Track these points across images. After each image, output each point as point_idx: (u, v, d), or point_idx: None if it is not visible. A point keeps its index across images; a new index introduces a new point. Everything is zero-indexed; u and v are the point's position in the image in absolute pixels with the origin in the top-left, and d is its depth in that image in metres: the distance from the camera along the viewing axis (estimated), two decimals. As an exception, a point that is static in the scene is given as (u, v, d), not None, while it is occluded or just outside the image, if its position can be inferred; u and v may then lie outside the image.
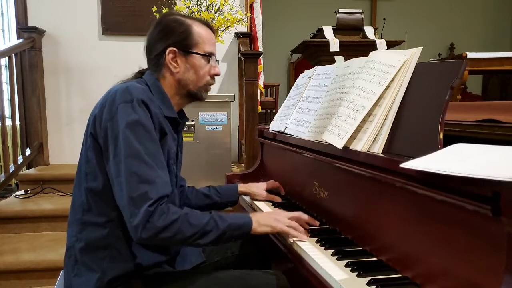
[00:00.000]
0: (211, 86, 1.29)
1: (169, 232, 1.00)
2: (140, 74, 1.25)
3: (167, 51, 1.18)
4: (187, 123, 2.80)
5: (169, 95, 1.21)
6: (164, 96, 1.20)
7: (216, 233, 1.05)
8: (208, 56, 1.22)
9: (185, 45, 1.19)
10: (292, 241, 1.13)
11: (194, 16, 1.29)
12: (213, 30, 1.27)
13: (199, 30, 1.21)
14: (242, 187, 1.55)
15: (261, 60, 3.54)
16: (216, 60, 1.26)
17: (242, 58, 3.06)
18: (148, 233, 0.98)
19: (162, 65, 1.20)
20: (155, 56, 1.21)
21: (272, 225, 1.13)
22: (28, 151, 3.32)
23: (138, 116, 1.04)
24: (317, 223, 1.22)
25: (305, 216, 1.20)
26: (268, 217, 1.16)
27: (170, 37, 1.18)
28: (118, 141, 1.02)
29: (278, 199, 1.54)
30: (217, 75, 1.27)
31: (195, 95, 1.24)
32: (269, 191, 1.58)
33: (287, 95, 1.80)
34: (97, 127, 1.07)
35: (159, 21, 1.22)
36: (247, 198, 1.62)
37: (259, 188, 1.55)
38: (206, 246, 1.08)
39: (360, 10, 3.49)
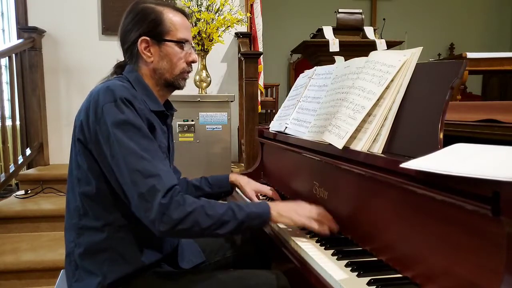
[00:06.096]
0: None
1: (186, 224, 0.98)
2: (119, 68, 1.23)
3: (139, 41, 1.15)
4: (187, 123, 2.83)
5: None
6: (148, 90, 1.17)
7: (234, 223, 1.04)
8: (181, 43, 1.18)
9: (157, 33, 1.15)
10: (295, 242, 1.13)
11: (166, 2, 1.24)
12: (187, 15, 1.23)
13: (170, 16, 1.17)
14: (232, 177, 1.51)
15: (261, 60, 3.54)
16: (192, 47, 1.23)
17: (242, 58, 3.06)
18: (165, 226, 0.97)
19: (136, 56, 1.18)
20: (128, 47, 1.18)
21: (293, 219, 1.12)
22: (28, 151, 3.32)
23: (125, 115, 1.02)
24: (338, 227, 1.14)
25: (328, 215, 1.15)
26: (289, 208, 1.14)
27: (141, 26, 1.15)
28: (111, 143, 1.01)
29: (269, 194, 1.49)
30: (194, 62, 1.23)
31: (172, 83, 1.21)
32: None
33: (287, 95, 1.80)
34: (86, 132, 1.05)
35: (129, 10, 1.18)
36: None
37: (249, 183, 1.49)
38: (225, 236, 1.09)
39: (360, 10, 3.50)
